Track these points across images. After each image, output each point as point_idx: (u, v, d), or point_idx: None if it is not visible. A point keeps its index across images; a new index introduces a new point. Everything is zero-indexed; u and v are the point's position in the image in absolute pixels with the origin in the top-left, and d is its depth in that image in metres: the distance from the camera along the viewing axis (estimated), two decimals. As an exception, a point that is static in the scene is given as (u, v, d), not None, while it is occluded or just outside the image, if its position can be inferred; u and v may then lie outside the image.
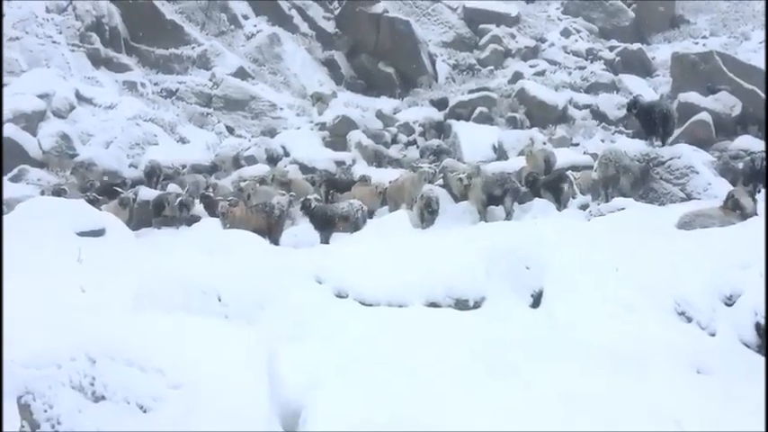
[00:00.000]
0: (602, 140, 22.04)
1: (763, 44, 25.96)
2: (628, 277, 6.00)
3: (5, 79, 24.59)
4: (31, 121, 21.90)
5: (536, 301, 6.08)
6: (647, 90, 24.96)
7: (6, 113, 21.76)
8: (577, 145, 21.95)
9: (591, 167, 15.58)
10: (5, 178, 18.98)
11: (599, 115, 25.30)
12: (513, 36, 31.82)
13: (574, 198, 13.85)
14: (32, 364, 3.96)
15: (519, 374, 4.43)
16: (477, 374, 4.31)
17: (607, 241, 6.99)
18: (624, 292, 5.79)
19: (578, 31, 32.24)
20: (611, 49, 30.63)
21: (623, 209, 10.78)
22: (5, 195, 14.73)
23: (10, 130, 20.76)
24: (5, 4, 28.05)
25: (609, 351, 4.88)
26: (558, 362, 4.56)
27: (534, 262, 6.30)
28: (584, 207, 12.97)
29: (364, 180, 16.24)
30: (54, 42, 26.26)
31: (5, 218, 11.36)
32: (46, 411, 3.75)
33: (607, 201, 12.01)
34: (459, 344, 4.84)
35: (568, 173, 14.20)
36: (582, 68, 29.25)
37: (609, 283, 5.95)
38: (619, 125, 24.49)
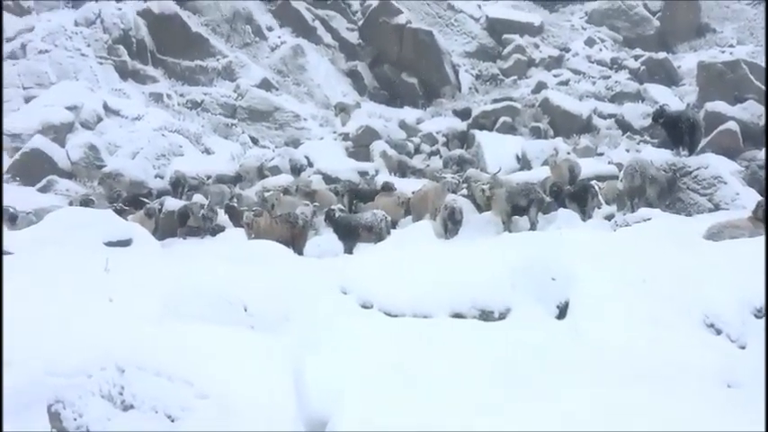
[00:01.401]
0: (627, 150, 21.86)
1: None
2: (655, 289, 5.92)
3: (35, 91, 25.13)
4: (59, 133, 22.33)
5: (562, 312, 6.02)
6: (672, 99, 24.72)
7: (35, 125, 22.24)
8: (602, 155, 21.79)
9: (616, 177, 15.50)
10: (34, 189, 19.34)
11: (624, 125, 25.11)
12: (536, 46, 31.74)
13: (599, 208, 13.75)
14: (62, 373, 4.02)
15: (544, 388, 4.39)
16: (503, 388, 4.28)
17: (633, 252, 6.92)
18: (652, 303, 5.72)
19: (602, 41, 32.08)
20: (636, 58, 30.42)
21: (650, 219, 10.66)
22: (35, 206, 15.01)
23: (39, 142, 21.17)
24: (35, 18, 28.66)
25: (636, 364, 4.82)
26: (585, 376, 4.52)
27: (560, 273, 6.24)
28: (609, 217, 12.87)
29: (387, 186, 16.28)
30: (82, 55, 26.76)
31: (35, 227, 11.57)
32: (75, 420, 3.81)
33: (633, 211, 11.91)
34: (485, 356, 4.81)
35: (593, 183, 14.10)
36: (606, 78, 29.09)
37: (636, 294, 5.88)
38: (644, 135, 24.27)
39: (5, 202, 14.61)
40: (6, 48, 27.51)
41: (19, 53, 27.22)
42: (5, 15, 28.94)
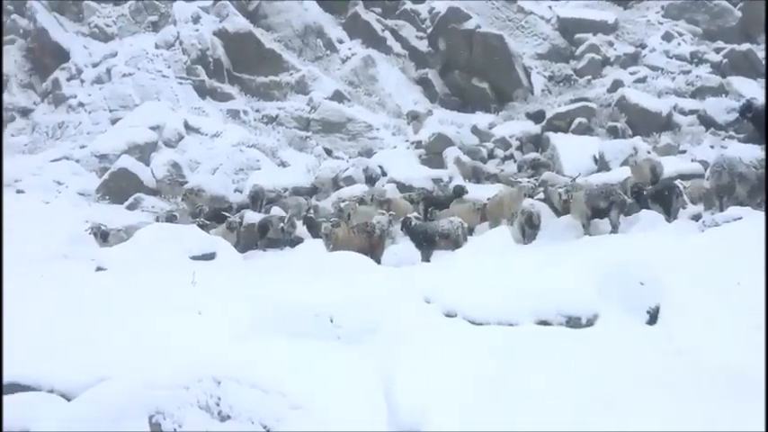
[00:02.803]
0: (712, 147, 20.94)
1: None
2: (751, 292, 5.66)
3: (120, 113, 26.37)
4: (144, 152, 23.38)
5: (652, 318, 5.83)
6: (758, 92, 23.54)
7: (122, 145, 23.41)
8: (684, 153, 20.95)
9: (701, 176, 14.90)
10: (123, 206, 20.25)
11: (707, 120, 24.11)
12: (610, 44, 30.93)
13: (684, 209, 13.25)
14: (161, 386, 4.18)
15: (637, 400, 4.25)
16: (595, 401, 4.17)
17: (725, 253, 6.63)
18: (748, 308, 5.46)
19: (681, 35, 30.93)
20: (718, 50, 29.17)
21: (740, 218, 10.19)
22: (125, 223, 15.71)
23: (126, 161, 22.22)
24: (118, 43, 30.04)
25: (734, 374, 4.59)
26: (680, 386, 4.35)
27: (648, 277, 6.05)
28: (696, 218, 12.37)
29: (459, 190, 16.20)
30: (163, 76, 27.88)
31: (126, 244, 12.11)
32: (175, 429, 3.95)
33: (722, 210, 11.40)
34: (574, 366, 4.70)
35: (677, 182, 13.62)
36: (686, 73, 28.02)
37: (730, 298, 5.62)
38: (729, 130, 23.22)
39: (98, 220, 15.38)
40: (92, 72, 28.95)
41: (104, 77, 28.62)
42: (92, 42, 30.50)
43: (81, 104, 27.95)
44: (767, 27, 26.17)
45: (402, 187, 20.16)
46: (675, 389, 4.32)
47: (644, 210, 12.97)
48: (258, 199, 19.65)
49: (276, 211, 17.02)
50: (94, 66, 29.40)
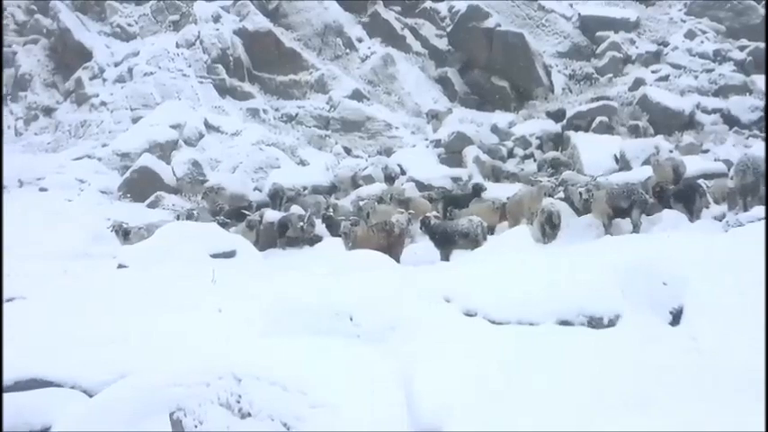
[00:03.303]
0: (735, 146, 20.69)
1: None
2: (778, 293, 5.56)
3: (142, 112, 26.60)
4: (165, 151, 23.58)
5: (676, 318, 5.74)
6: (784, 90, 23.27)
7: (143, 144, 23.64)
8: (707, 152, 20.66)
9: (724, 175, 14.75)
10: (144, 205, 20.42)
11: (730, 119, 23.80)
12: (632, 41, 30.62)
13: (707, 208, 13.10)
14: (182, 383, 4.20)
15: (661, 403, 4.19)
16: (618, 403, 4.12)
17: (750, 254, 6.52)
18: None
19: (704, 32, 30.54)
20: (742, 48, 28.77)
21: (765, 218, 10.06)
22: (146, 221, 15.84)
23: (147, 160, 22.41)
24: (140, 42, 30.30)
25: (758, 376, 4.52)
26: (705, 389, 4.28)
27: (672, 277, 5.96)
28: (719, 218, 12.24)
29: (478, 188, 16.13)
30: (184, 75, 28.07)
31: (147, 242, 12.21)
32: (196, 427, 3.97)
33: (746, 210, 11.28)
34: (596, 366, 4.66)
35: (700, 182, 13.46)
36: (709, 71, 27.66)
37: (755, 299, 5.53)
38: (753, 129, 22.92)
39: (120, 218, 15.52)
40: (114, 72, 29.25)
41: (126, 77, 28.88)
42: (114, 42, 30.81)
43: (103, 103, 28.24)
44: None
45: (421, 186, 20.16)
46: (699, 390, 4.26)
47: (666, 210, 12.86)
48: (278, 197, 19.73)
49: (295, 209, 17.07)
50: (116, 65, 29.69)
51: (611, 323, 5.68)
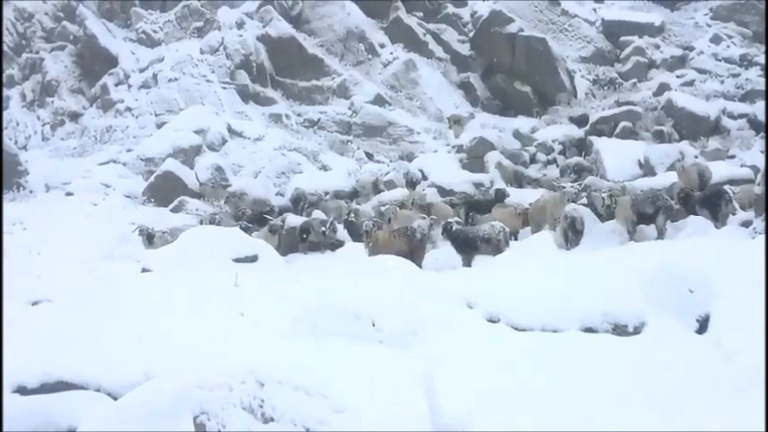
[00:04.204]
0: (762, 152, 20.39)
1: None
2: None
3: (166, 117, 26.90)
4: (188, 156, 23.81)
5: (702, 326, 5.67)
6: (812, 95, 22.86)
7: (167, 149, 23.88)
8: (733, 157, 20.41)
9: (751, 181, 14.52)
10: (167, 209, 20.60)
11: (757, 125, 23.41)
12: (657, 46, 30.32)
13: (733, 215, 12.91)
14: (206, 386, 4.21)
15: (687, 413, 4.12)
16: (642, 413, 4.05)
17: (779, 261, 6.42)
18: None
19: (730, 37, 30.16)
20: (768, 53, 28.41)
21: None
22: (170, 225, 15.99)
23: (171, 165, 22.62)
24: (165, 48, 30.65)
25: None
26: (732, 398, 4.20)
27: (698, 284, 5.89)
28: (746, 224, 12.04)
29: (500, 193, 16.05)
30: (208, 81, 28.33)
31: (171, 246, 12.31)
32: (219, 430, 3.97)
33: (773, 217, 11.09)
34: (621, 375, 4.60)
35: (726, 187, 13.27)
36: (736, 76, 27.31)
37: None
38: (780, 134, 22.56)
39: (144, 223, 15.69)
40: (139, 78, 29.65)
41: (151, 82, 29.24)
42: (139, 48, 31.22)
43: (128, 109, 28.62)
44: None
45: (443, 191, 20.10)
46: (728, 400, 4.18)
47: (691, 216, 12.69)
48: (300, 202, 19.81)
49: (317, 214, 17.13)
50: (141, 71, 30.08)
51: (637, 330, 5.62)
